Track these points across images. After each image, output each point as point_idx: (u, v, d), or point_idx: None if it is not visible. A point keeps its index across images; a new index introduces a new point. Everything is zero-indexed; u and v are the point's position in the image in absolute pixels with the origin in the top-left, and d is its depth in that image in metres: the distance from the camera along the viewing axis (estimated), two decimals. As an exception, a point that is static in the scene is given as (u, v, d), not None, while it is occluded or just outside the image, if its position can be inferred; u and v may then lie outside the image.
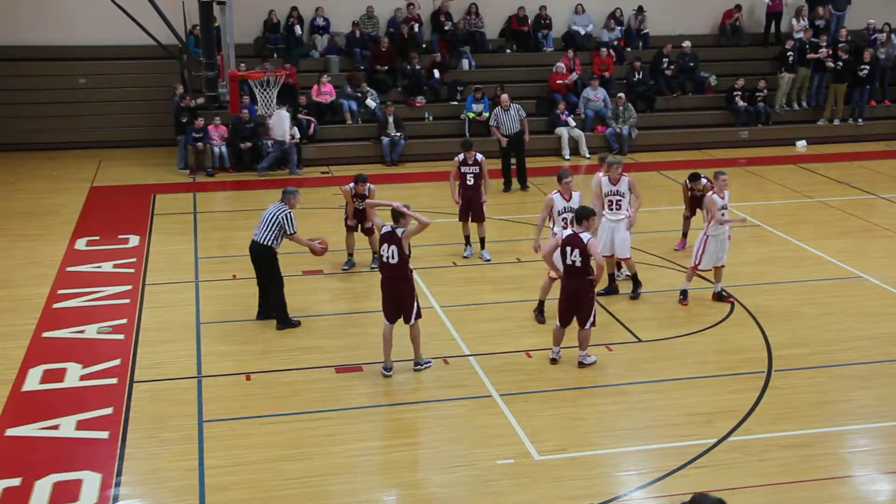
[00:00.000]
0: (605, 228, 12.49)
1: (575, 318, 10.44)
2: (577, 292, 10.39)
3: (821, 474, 8.57)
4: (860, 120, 23.63)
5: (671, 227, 15.13)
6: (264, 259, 11.73)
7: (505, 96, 18.74)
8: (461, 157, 14.13)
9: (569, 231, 10.42)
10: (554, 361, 10.69)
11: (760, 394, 10.04)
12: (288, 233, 11.63)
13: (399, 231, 10.10)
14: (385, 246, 10.14)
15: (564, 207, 11.65)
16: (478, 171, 14.07)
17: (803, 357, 10.98)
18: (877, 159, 21.50)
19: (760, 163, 21.17)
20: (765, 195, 18.02)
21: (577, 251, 10.23)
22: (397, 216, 10.15)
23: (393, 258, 10.11)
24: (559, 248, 10.39)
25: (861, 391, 10.26)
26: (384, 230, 10.19)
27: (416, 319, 10.30)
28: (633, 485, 8.48)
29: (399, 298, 10.24)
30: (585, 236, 10.29)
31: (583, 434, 9.32)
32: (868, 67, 23.25)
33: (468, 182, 14.10)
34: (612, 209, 12.53)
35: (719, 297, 12.64)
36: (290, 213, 11.67)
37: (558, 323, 10.58)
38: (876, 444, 9.28)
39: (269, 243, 11.62)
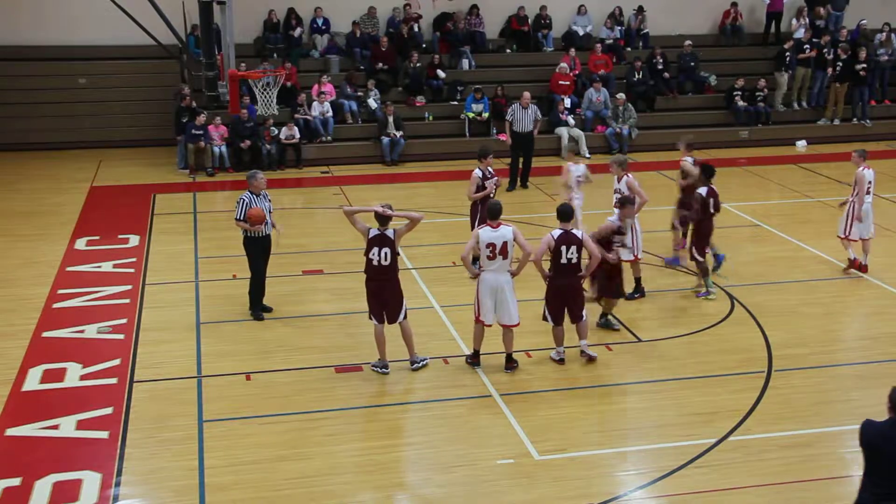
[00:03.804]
0: None
1: (567, 315, 10.50)
2: (570, 289, 10.45)
3: (821, 474, 8.57)
4: (867, 121, 23.56)
5: (671, 226, 15.07)
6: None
7: (527, 94, 18.88)
8: (479, 172, 13.17)
9: (559, 231, 10.39)
10: (561, 362, 10.68)
11: (760, 394, 10.04)
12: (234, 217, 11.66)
13: (390, 232, 10.09)
14: (376, 249, 10.09)
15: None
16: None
17: (803, 357, 10.98)
18: (877, 159, 21.40)
19: (760, 163, 21.16)
20: (765, 195, 18.01)
21: (573, 248, 10.28)
22: (384, 219, 10.11)
23: (385, 260, 10.09)
24: (552, 249, 10.34)
25: (861, 391, 10.26)
26: (372, 234, 10.12)
27: (403, 318, 10.31)
28: (633, 485, 8.47)
29: (386, 299, 10.22)
30: (578, 232, 10.40)
31: (583, 434, 9.32)
32: (865, 65, 23.22)
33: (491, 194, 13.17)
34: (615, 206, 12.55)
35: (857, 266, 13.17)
36: (242, 197, 11.59)
37: (554, 323, 10.59)
38: (876, 444, 9.27)
39: (243, 232, 11.71)
